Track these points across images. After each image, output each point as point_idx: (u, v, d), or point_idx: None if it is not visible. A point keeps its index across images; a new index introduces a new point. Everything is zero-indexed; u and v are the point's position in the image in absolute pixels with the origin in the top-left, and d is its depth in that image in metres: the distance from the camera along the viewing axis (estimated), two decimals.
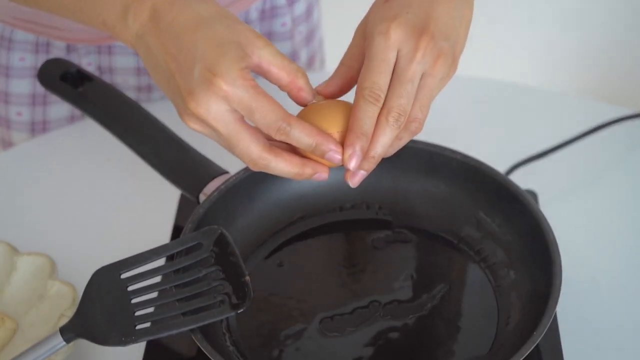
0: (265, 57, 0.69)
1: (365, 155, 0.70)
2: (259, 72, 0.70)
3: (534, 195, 0.94)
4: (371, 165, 0.71)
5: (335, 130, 0.71)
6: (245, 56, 0.68)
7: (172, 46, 0.69)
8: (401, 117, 0.70)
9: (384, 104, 0.70)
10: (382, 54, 0.71)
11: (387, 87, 0.70)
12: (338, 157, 0.70)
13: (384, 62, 0.71)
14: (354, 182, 0.72)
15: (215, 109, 0.67)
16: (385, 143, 0.70)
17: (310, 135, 0.69)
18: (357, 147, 0.69)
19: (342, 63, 0.75)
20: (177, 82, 0.68)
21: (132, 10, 0.70)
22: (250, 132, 0.69)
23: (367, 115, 0.69)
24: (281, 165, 0.70)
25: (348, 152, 0.69)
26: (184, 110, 0.69)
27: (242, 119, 0.69)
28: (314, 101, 0.72)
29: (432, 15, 0.72)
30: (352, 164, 0.70)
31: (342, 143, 0.71)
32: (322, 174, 0.72)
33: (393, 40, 0.71)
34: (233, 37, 0.68)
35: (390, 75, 0.71)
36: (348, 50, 0.75)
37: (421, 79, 0.71)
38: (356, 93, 0.71)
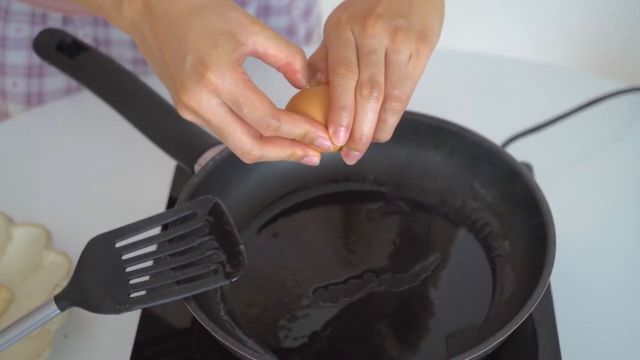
0: (260, 41, 0.69)
1: (352, 136, 0.70)
2: (257, 56, 0.70)
3: (529, 167, 0.94)
4: (361, 146, 0.70)
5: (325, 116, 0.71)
6: (238, 46, 0.67)
7: (166, 35, 0.68)
8: (374, 88, 0.69)
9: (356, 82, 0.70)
10: (339, 35, 0.71)
11: (355, 60, 0.70)
12: (327, 143, 0.70)
13: (343, 40, 0.71)
14: (348, 161, 0.72)
15: (206, 101, 0.67)
16: (369, 119, 0.69)
17: (298, 126, 0.69)
18: (339, 122, 0.69)
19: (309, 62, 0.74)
20: (170, 72, 0.68)
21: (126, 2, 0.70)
22: (242, 124, 0.68)
23: (343, 88, 0.69)
24: (273, 152, 0.70)
25: (331, 130, 0.69)
26: (177, 101, 0.69)
27: (233, 111, 0.69)
28: (308, 86, 0.72)
29: (380, 1, 0.72)
30: (339, 140, 0.69)
31: None
32: (313, 158, 0.72)
33: (344, 23, 0.72)
34: (226, 27, 0.68)
35: (355, 52, 0.71)
36: (312, 55, 0.75)
37: (386, 56, 0.71)
38: (329, 74, 0.71)
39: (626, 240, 0.92)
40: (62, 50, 0.92)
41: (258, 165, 0.88)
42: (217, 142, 0.86)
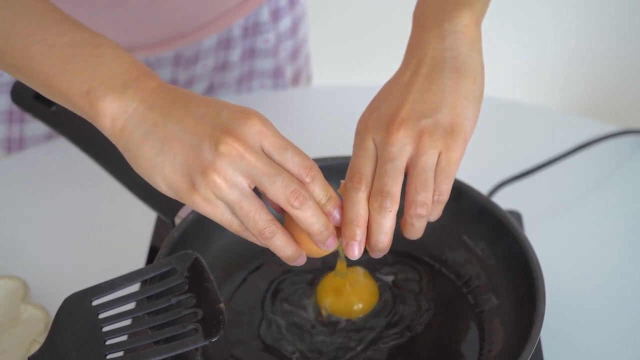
0: None
1: (369, 244, 0.71)
2: None
3: (518, 215, 0.92)
4: (381, 252, 0.71)
5: None
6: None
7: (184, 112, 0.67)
8: (385, 199, 0.69)
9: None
10: (360, 143, 0.72)
11: (369, 172, 0.71)
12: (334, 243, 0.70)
13: (363, 149, 0.71)
14: (375, 256, 0.72)
15: (234, 175, 0.66)
16: (382, 230, 0.70)
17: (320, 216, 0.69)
18: (348, 236, 0.69)
19: None
20: (194, 150, 0.66)
21: (133, 88, 0.68)
22: (260, 200, 0.68)
23: (351, 201, 0.70)
24: (281, 242, 0.69)
25: (343, 242, 0.70)
26: (202, 173, 0.66)
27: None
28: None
29: (405, 101, 0.72)
30: (353, 254, 0.70)
31: None
32: (303, 258, 0.72)
33: (367, 130, 0.72)
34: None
35: (372, 161, 0.71)
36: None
37: (412, 161, 0.71)
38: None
39: (618, 290, 0.90)
40: (39, 99, 0.90)
41: None
42: None
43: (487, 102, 1.11)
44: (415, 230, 0.72)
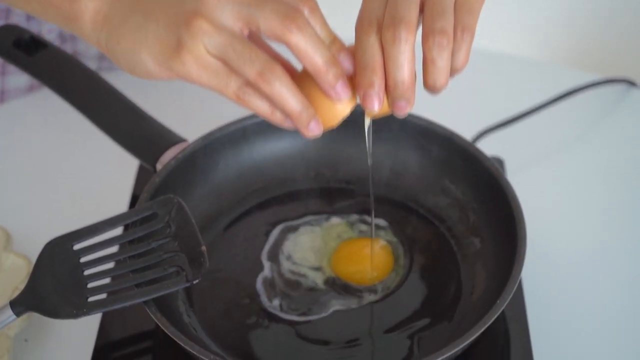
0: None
1: (388, 87, 0.62)
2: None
3: (500, 162, 0.92)
4: (403, 94, 0.62)
5: None
6: None
7: None
8: (399, 26, 0.60)
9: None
10: None
11: (380, 15, 0.61)
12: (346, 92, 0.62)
13: None
14: (398, 113, 0.63)
15: (221, 16, 0.60)
16: (399, 65, 0.60)
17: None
18: (366, 84, 0.61)
19: None
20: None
21: None
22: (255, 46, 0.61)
23: (363, 45, 0.61)
24: (286, 87, 0.61)
25: (360, 95, 0.62)
26: (189, 19, 0.61)
27: None
28: None
29: None
30: (370, 105, 0.62)
31: None
32: (318, 127, 0.63)
33: None
34: None
35: (383, 5, 0.62)
36: None
37: None
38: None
39: (597, 234, 0.91)
40: (19, 47, 0.90)
41: (222, 162, 0.86)
42: (179, 140, 0.84)
43: (475, 54, 1.11)
44: (439, 70, 0.62)
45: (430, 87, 0.63)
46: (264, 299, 0.80)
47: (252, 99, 0.63)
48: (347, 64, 0.62)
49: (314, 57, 0.60)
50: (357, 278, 0.81)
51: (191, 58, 0.61)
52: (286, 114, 0.63)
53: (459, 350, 0.69)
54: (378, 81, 0.61)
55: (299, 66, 0.65)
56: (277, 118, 0.64)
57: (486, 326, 0.69)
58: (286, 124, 0.65)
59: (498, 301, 0.70)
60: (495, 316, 0.70)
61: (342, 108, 0.64)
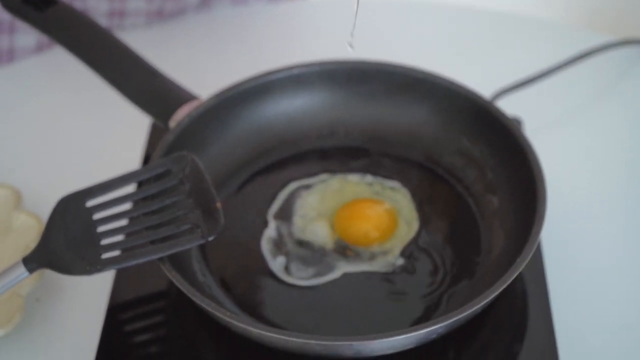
0: None
1: None
2: None
3: (519, 122, 0.90)
4: None
5: None
6: None
7: None
8: None
9: None
10: None
11: None
12: None
13: None
14: None
15: None
16: None
17: None
18: None
19: None
20: None
21: None
22: None
23: None
24: None
25: None
26: None
27: None
28: None
29: None
30: None
31: None
32: None
33: None
34: None
35: None
36: None
37: None
38: None
39: (617, 195, 0.89)
40: (29, 3, 0.88)
41: (236, 120, 0.85)
42: (193, 98, 0.83)
43: (488, 15, 1.10)
44: None
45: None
46: (274, 258, 0.79)
47: None
48: None
49: None
50: (355, 239, 0.81)
51: None
52: None
53: (478, 308, 0.68)
54: None
55: None
56: None
57: (507, 284, 0.68)
58: None
59: (518, 260, 0.69)
60: (516, 274, 0.69)
61: None
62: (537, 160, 0.77)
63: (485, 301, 0.67)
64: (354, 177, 0.86)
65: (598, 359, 0.76)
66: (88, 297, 0.80)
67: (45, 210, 0.76)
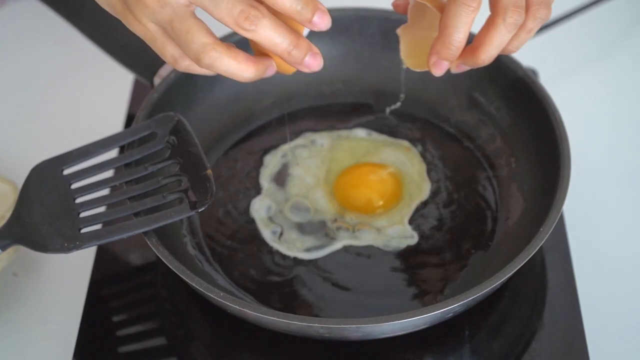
0: None
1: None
2: None
3: (534, 73, 0.85)
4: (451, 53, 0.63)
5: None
6: None
7: None
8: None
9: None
10: None
11: None
12: (316, 63, 0.60)
13: None
14: (436, 72, 0.64)
15: None
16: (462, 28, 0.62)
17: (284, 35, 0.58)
18: (445, 55, 0.62)
19: None
20: None
21: None
22: (201, 22, 0.58)
23: (461, 19, 0.61)
24: (229, 65, 0.59)
25: (432, 60, 0.63)
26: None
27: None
28: None
29: None
30: (438, 72, 0.64)
31: None
32: (272, 69, 0.62)
33: None
34: None
35: None
36: None
37: None
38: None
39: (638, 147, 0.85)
40: None
41: (227, 78, 0.79)
42: None
43: None
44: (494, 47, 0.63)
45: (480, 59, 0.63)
46: (268, 228, 0.74)
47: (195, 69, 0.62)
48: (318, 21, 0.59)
49: (276, 47, 0.58)
50: (358, 206, 0.76)
51: (134, 20, 0.61)
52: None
53: (499, 284, 0.62)
54: (454, 56, 0.63)
55: None
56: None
57: (530, 256, 0.62)
58: None
59: (541, 229, 0.63)
60: (540, 245, 0.63)
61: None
62: (560, 117, 0.71)
63: (506, 276, 0.62)
64: (358, 133, 0.80)
65: (628, 339, 0.71)
66: (70, 270, 0.76)
67: (22, 176, 0.71)
